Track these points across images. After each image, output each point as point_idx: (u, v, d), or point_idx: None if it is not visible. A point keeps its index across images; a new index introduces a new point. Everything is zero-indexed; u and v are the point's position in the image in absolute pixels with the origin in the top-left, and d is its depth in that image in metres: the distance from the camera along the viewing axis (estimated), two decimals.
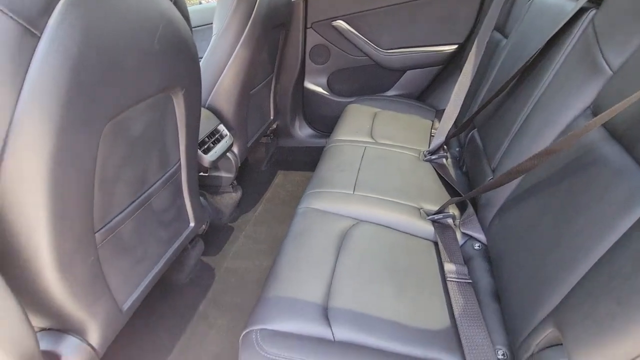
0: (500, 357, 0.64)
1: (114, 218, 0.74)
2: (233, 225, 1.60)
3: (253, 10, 1.25)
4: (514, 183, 0.80)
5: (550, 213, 0.64)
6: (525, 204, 0.74)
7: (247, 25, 1.26)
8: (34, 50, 0.47)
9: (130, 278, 0.84)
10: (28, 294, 0.64)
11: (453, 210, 1.00)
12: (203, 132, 1.25)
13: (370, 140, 1.37)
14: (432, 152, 1.27)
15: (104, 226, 0.71)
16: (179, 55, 0.76)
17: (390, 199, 1.02)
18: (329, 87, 1.95)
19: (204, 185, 1.53)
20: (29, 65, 0.47)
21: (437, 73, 1.81)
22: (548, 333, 0.52)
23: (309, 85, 1.95)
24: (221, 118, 1.36)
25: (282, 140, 2.05)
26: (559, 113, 0.74)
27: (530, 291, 0.61)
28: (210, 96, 1.34)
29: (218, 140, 1.30)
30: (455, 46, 1.72)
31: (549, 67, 0.85)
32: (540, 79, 0.86)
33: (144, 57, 0.64)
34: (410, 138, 1.39)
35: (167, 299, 1.23)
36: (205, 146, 1.24)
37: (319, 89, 1.96)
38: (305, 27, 1.79)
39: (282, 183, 1.94)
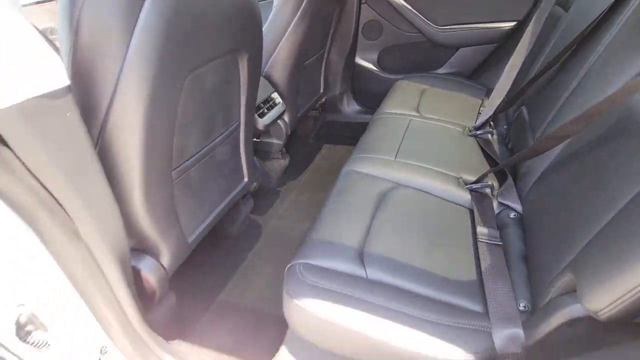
0: (521, 308, 0.69)
1: (186, 161, 0.87)
2: (280, 190, 1.73)
3: None
4: (554, 152, 0.82)
5: (585, 178, 0.67)
6: (562, 171, 0.76)
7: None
8: (140, 10, 0.59)
9: (195, 216, 0.98)
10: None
11: (492, 181, 1.03)
12: (259, 98, 1.36)
13: (416, 114, 1.40)
14: (478, 128, 1.28)
15: (178, 166, 0.84)
16: (248, 21, 0.86)
17: (430, 167, 1.07)
18: (379, 63, 1.98)
19: (256, 150, 1.66)
20: (136, 23, 0.59)
21: (492, 51, 1.77)
22: (565, 279, 0.56)
23: (360, 60, 1.99)
24: (275, 87, 1.47)
25: (329, 114, 2.12)
26: (610, 81, 0.74)
27: (554, 247, 0.64)
28: (267, 65, 1.44)
29: (272, 107, 1.41)
30: (514, 23, 1.67)
31: (604, 37, 0.83)
32: (593, 50, 0.85)
33: (220, 19, 0.75)
34: (456, 114, 1.40)
35: (221, 247, 1.39)
36: (260, 111, 1.35)
37: (369, 65, 1.99)
38: (360, 2, 1.82)
39: (328, 156, 2.03)
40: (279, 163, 1.72)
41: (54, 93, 0.46)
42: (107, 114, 0.63)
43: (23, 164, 0.46)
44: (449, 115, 1.39)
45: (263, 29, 1.41)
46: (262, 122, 1.33)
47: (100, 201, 0.60)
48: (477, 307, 0.71)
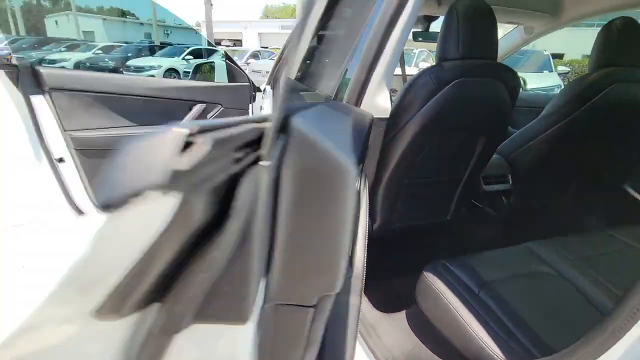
0: None
1: (414, 178, 1.42)
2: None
3: (583, 105, 1.53)
4: None
5: None
6: None
7: (571, 114, 1.56)
8: (436, 94, 1.19)
9: (404, 214, 1.52)
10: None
11: None
12: (495, 172, 1.73)
13: None
14: None
15: (408, 177, 1.40)
16: (498, 118, 1.33)
17: (604, 282, 1.15)
18: None
19: (474, 212, 2.00)
20: (431, 98, 1.19)
21: None
22: None
23: (629, 189, 1.92)
24: (515, 170, 1.77)
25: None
26: None
27: None
28: (515, 152, 1.77)
29: (500, 182, 1.75)
30: None
31: None
32: None
33: (483, 109, 1.27)
34: None
35: (406, 251, 1.87)
36: (489, 180, 1.72)
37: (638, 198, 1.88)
38: None
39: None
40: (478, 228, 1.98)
41: (383, 118, 1.13)
42: (395, 136, 1.27)
43: None
44: None
45: (527, 125, 1.75)
46: (483, 187, 1.71)
47: (371, 168, 1.25)
48: (538, 354, 0.89)
